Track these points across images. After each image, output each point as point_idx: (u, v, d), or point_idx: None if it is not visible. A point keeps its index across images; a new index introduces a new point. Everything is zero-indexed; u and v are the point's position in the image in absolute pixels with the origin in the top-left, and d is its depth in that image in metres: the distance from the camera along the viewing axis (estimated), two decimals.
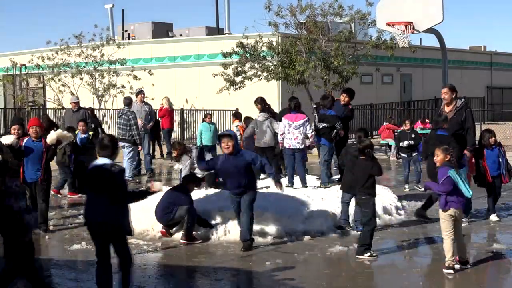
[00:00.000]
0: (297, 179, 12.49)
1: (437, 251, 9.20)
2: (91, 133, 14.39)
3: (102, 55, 24.02)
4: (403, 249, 9.47)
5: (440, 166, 8.18)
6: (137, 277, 8.10)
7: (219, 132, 15.05)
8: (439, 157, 8.26)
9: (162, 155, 21.15)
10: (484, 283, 7.93)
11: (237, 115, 18.57)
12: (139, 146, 15.90)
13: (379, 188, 12.14)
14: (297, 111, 12.33)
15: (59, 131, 12.14)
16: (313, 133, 12.25)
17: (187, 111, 26.83)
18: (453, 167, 8.15)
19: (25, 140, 10.44)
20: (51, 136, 10.95)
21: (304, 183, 12.22)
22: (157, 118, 21.03)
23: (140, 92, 17.77)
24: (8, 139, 10.22)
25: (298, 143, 12.14)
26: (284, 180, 13.06)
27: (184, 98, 27.26)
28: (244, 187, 9.28)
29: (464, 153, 10.60)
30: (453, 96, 10.94)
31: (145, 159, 17.17)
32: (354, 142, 10.49)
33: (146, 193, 7.15)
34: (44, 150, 10.45)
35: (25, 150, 10.30)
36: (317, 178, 12.99)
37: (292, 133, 12.18)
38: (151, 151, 19.18)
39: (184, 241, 9.66)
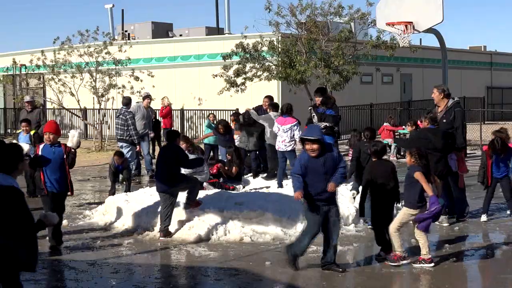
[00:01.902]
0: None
1: (438, 251, 9.19)
2: (32, 132, 13.74)
3: (107, 53, 23.99)
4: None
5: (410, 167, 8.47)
6: (137, 277, 8.11)
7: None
8: (407, 158, 8.62)
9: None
10: (485, 283, 7.93)
11: (237, 115, 18.57)
12: (137, 146, 15.81)
13: None
14: (287, 115, 12.79)
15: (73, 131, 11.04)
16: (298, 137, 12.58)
17: (187, 111, 26.83)
18: (419, 168, 8.30)
19: (41, 146, 9.29)
20: (74, 138, 9.61)
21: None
22: (157, 118, 21.08)
23: (147, 97, 17.38)
24: (24, 147, 9.18)
25: (285, 145, 12.70)
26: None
27: (184, 98, 27.26)
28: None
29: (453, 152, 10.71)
30: (441, 97, 11.12)
31: (145, 159, 17.10)
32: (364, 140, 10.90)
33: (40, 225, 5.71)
34: (65, 156, 9.23)
35: (43, 158, 9.09)
36: None
37: (280, 135, 12.74)
38: (151, 151, 19.17)
39: (192, 206, 10.14)
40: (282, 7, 21.35)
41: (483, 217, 10.97)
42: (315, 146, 7.82)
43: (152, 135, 17.45)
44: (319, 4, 21.94)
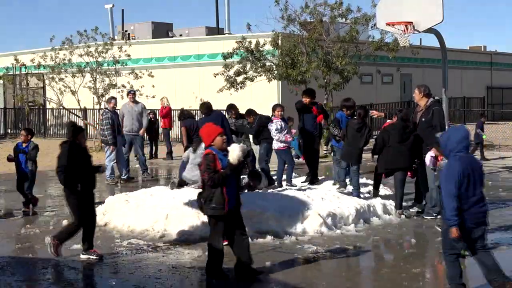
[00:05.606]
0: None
1: (438, 251, 9.19)
2: None
3: (107, 51, 23.99)
4: (403, 249, 9.48)
5: None
6: (137, 277, 8.11)
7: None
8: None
9: (153, 156, 20.90)
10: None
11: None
12: (112, 147, 15.46)
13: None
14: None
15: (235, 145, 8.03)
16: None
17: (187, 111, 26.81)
18: None
19: (219, 155, 7.75)
20: (234, 153, 7.72)
21: (289, 181, 12.93)
22: (155, 118, 21.14)
23: (129, 92, 17.43)
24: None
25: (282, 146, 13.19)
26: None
27: (184, 98, 27.27)
28: None
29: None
30: (421, 96, 11.39)
31: (140, 159, 16.77)
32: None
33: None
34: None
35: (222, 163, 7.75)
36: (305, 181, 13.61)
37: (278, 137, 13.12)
38: (152, 151, 19.29)
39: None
40: (289, 4, 21.36)
41: None
42: None
43: (142, 132, 16.89)
44: (327, 3, 21.74)
